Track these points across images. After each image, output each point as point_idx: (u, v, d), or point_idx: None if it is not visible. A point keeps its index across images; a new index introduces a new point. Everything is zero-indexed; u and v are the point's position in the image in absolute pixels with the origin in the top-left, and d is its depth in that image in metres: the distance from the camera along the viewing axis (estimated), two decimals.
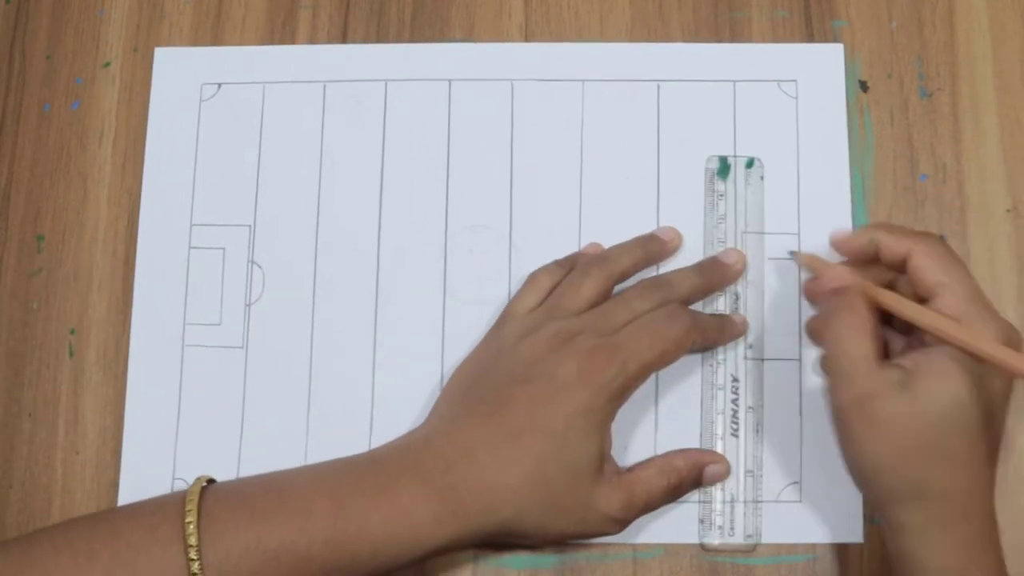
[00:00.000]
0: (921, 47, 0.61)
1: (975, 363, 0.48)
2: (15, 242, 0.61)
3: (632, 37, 0.62)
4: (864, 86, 0.60)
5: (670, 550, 0.56)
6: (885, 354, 0.52)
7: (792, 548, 0.56)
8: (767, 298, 0.58)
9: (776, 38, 0.61)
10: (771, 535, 0.56)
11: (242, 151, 0.61)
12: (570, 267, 0.57)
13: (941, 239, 0.53)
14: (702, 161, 0.60)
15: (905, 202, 0.59)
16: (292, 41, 0.62)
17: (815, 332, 0.53)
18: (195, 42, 0.63)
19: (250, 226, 0.60)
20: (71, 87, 0.63)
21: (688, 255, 0.59)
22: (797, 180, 0.59)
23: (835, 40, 0.61)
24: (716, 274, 0.57)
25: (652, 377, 0.57)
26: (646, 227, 0.59)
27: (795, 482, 0.57)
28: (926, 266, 0.50)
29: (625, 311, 0.54)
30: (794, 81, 0.60)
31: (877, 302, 0.51)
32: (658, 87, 0.61)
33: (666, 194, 0.60)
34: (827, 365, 0.51)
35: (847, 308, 0.51)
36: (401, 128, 0.61)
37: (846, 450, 0.50)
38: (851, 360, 0.49)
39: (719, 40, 0.61)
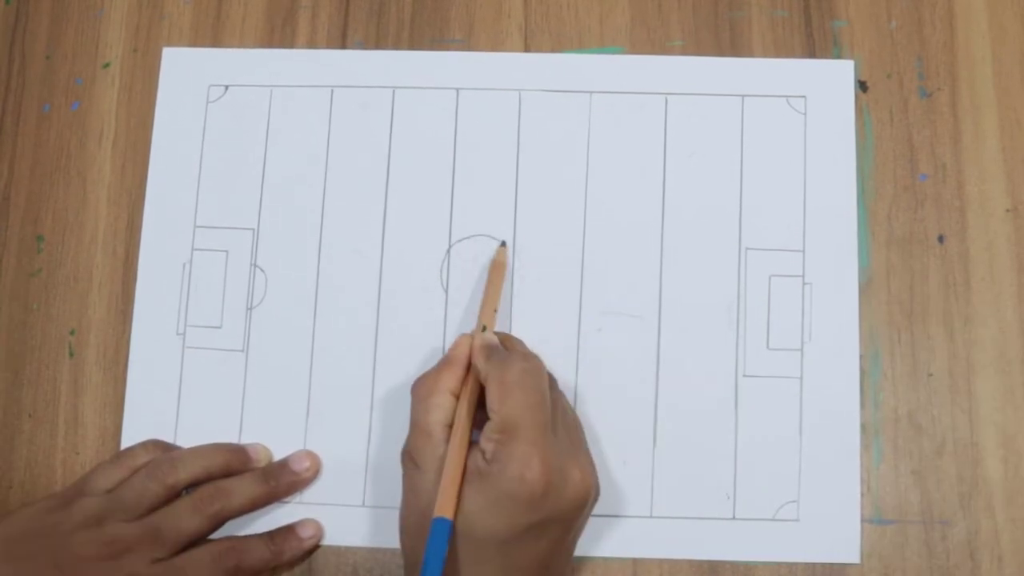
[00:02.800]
0: (921, 47, 0.61)
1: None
2: (15, 242, 0.61)
3: (632, 36, 0.61)
4: (864, 86, 0.60)
5: None
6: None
7: (790, 568, 0.56)
8: (768, 315, 0.58)
9: (775, 38, 0.61)
10: (768, 553, 0.56)
11: (248, 154, 0.61)
12: (164, 449, 0.57)
13: (530, 366, 0.52)
14: (709, 175, 0.60)
15: (905, 202, 0.59)
16: (292, 42, 0.62)
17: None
18: (195, 42, 0.63)
19: (254, 229, 0.60)
20: (71, 87, 0.62)
21: (693, 263, 0.59)
22: (804, 197, 0.59)
23: (835, 39, 0.61)
24: (283, 482, 0.57)
25: (652, 378, 0.58)
26: (651, 240, 0.59)
27: (793, 501, 0.57)
28: (490, 391, 0.51)
29: (174, 532, 0.54)
30: (803, 97, 0.60)
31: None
32: (666, 100, 0.61)
33: (672, 207, 0.59)
34: (410, 418, 0.53)
35: (429, 379, 0.53)
36: (408, 135, 0.61)
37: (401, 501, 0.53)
38: (416, 426, 0.52)
39: (719, 40, 0.61)
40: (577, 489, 0.50)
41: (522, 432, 0.49)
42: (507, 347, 0.55)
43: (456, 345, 0.55)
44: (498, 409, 0.50)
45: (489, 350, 0.53)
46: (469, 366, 0.54)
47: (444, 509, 0.48)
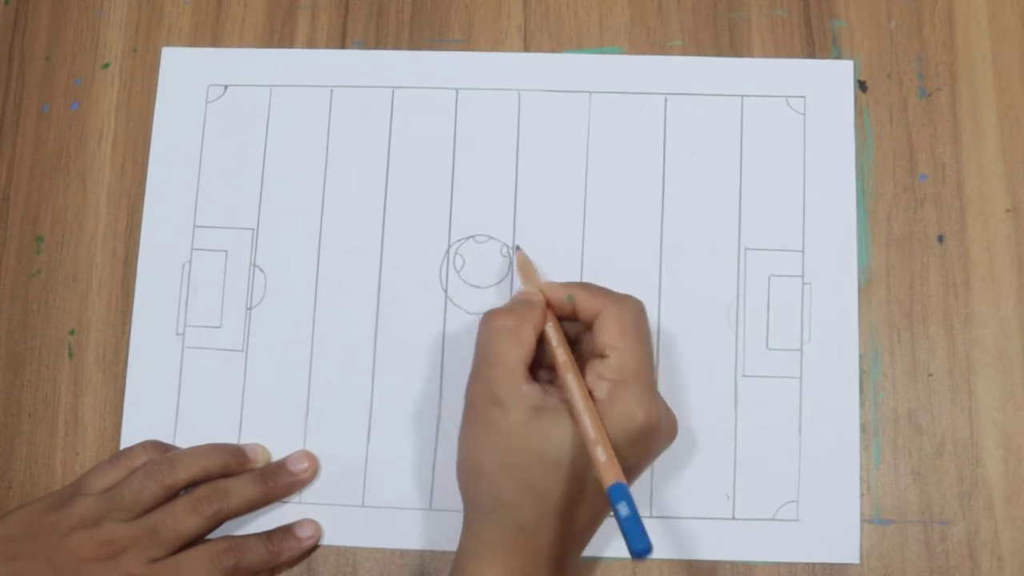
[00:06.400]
0: (921, 47, 0.61)
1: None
2: (15, 243, 0.61)
3: (631, 37, 0.61)
4: (863, 86, 0.60)
5: None
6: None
7: (790, 568, 0.56)
8: (768, 315, 0.58)
9: (775, 38, 0.61)
10: (768, 553, 0.56)
11: (247, 153, 0.61)
12: (163, 450, 0.57)
13: (641, 306, 0.52)
14: (709, 175, 0.60)
15: (904, 202, 0.59)
16: (291, 42, 0.62)
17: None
18: (194, 43, 0.63)
19: (253, 229, 0.60)
20: (70, 88, 0.62)
21: (693, 263, 0.59)
22: (803, 197, 0.59)
23: (835, 39, 0.61)
24: (281, 482, 0.57)
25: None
26: (651, 240, 0.59)
27: (792, 501, 0.57)
28: (605, 327, 0.50)
29: (172, 532, 0.54)
30: (802, 97, 0.60)
31: (544, 329, 0.52)
32: (665, 100, 0.61)
33: (671, 207, 0.59)
34: (476, 354, 0.51)
35: (514, 313, 0.51)
36: (407, 135, 0.61)
37: (461, 441, 0.51)
38: (497, 361, 0.50)
39: (718, 40, 0.61)
40: (671, 429, 0.52)
41: (641, 373, 0.50)
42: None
43: (528, 292, 0.53)
44: (619, 346, 0.50)
45: (588, 287, 0.52)
46: (545, 312, 0.52)
47: (616, 474, 0.46)
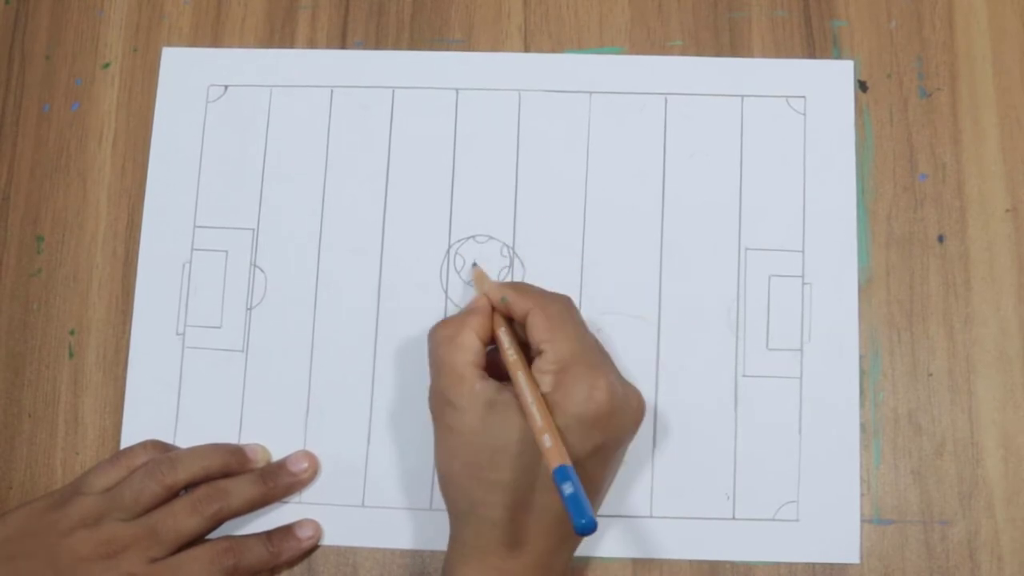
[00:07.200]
0: (921, 47, 0.61)
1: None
2: (15, 242, 0.61)
3: (632, 36, 0.61)
4: (863, 86, 0.60)
5: None
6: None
7: (790, 568, 0.56)
8: (768, 315, 0.58)
9: (775, 38, 0.61)
10: (768, 553, 0.56)
11: (247, 154, 0.61)
12: (163, 450, 0.57)
13: (567, 300, 0.53)
14: (710, 175, 0.60)
15: (904, 202, 0.59)
16: (292, 42, 0.62)
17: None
18: (195, 43, 0.63)
19: (253, 229, 0.60)
20: (71, 88, 0.63)
21: (693, 263, 0.59)
22: (804, 197, 0.59)
23: (835, 39, 0.61)
24: (281, 482, 0.57)
25: (652, 378, 0.58)
26: (651, 240, 0.59)
27: (792, 501, 0.57)
28: (534, 325, 0.52)
29: (172, 531, 0.54)
30: (803, 97, 0.60)
31: (495, 332, 0.53)
32: (665, 100, 0.61)
33: (672, 207, 0.59)
34: (429, 368, 0.53)
35: (452, 322, 0.53)
36: (407, 136, 0.61)
37: (434, 452, 0.53)
38: (443, 368, 0.51)
39: (719, 40, 0.61)
40: (635, 406, 0.52)
41: (580, 358, 0.50)
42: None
43: (475, 299, 0.55)
44: (550, 339, 0.51)
45: (519, 287, 0.54)
46: (491, 316, 0.54)
47: (560, 457, 0.46)
